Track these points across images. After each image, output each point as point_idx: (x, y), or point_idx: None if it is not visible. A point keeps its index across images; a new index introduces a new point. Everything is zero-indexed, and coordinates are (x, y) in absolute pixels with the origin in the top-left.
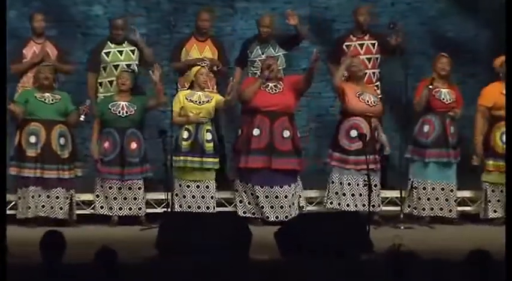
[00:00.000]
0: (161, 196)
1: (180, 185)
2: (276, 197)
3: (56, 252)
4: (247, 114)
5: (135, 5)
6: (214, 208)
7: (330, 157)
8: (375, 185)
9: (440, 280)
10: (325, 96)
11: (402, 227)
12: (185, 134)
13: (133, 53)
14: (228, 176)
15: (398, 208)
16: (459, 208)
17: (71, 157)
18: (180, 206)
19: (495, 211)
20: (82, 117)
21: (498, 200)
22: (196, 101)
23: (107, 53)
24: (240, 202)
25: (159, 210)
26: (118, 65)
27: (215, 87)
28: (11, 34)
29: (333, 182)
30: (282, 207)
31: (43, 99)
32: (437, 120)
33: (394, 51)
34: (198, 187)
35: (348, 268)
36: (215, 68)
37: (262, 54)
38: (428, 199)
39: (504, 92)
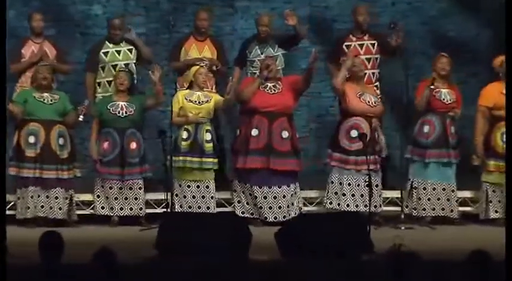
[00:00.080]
0: (161, 196)
1: (180, 186)
2: (275, 197)
3: (55, 252)
4: (246, 114)
5: (135, 4)
6: (214, 208)
7: (329, 157)
8: (376, 186)
9: (440, 280)
10: (325, 96)
11: (403, 228)
12: (184, 134)
13: (131, 53)
14: (227, 177)
15: (398, 208)
16: (461, 208)
17: (70, 157)
18: (181, 206)
19: (496, 212)
20: (81, 118)
21: (499, 201)
22: (195, 101)
23: (105, 53)
24: (239, 202)
25: (158, 210)
26: (116, 65)
27: (214, 87)
28: (11, 34)
29: (332, 182)
30: (280, 207)
31: (42, 100)
32: (437, 121)
33: (394, 52)
34: (198, 187)
35: (349, 268)
36: (214, 68)
37: (261, 54)
38: (429, 199)
39: (504, 92)
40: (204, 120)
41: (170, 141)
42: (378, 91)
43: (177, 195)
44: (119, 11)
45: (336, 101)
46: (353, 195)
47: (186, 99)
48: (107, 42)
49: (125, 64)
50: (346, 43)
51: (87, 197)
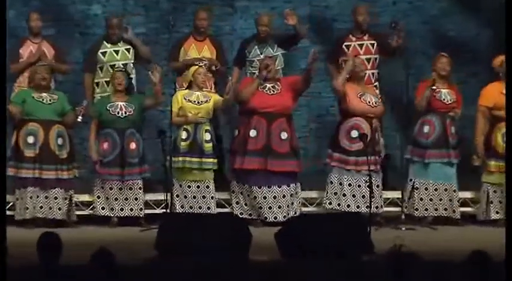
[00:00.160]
0: (160, 196)
1: (181, 186)
2: (274, 197)
3: (53, 253)
4: (245, 115)
5: (134, 4)
6: (215, 208)
7: (329, 158)
8: (377, 186)
9: None
10: (325, 96)
11: (403, 228)
12: (184, 135)
13: (129, 52)
14: (227, 177)
15: (399, 209)
16: (461, 209)
17: (69, 157)
18: (182, 206)
19: (497, 212)
20: (79, 119)
21: (500, 201)
22: (194, 101)
23: (103, 53)
24: (237, 203)
25: (158, 211)
26: (114, 65)
27: (213, 87)
28: (10, 34)
29: (331, 183)
30: (280, 207)
31: (41, 100)
32: (437, 121)
33: (394, 53)
34: (198, 187)
35: (349, 269)
36: (213, 68)
37: (261, 54)
38: (431, 200)
39: (504, 91)
40: (203, 120)
41: (170, 141)
42: (377, 91)
43: (177, 195)
44: (118, 10)
45: (336, 101)
46: (354, 195)
47: (185, 99)
48: (104, 42)
49: (123, 64)
50: (345, 43)
51: (86, 197)
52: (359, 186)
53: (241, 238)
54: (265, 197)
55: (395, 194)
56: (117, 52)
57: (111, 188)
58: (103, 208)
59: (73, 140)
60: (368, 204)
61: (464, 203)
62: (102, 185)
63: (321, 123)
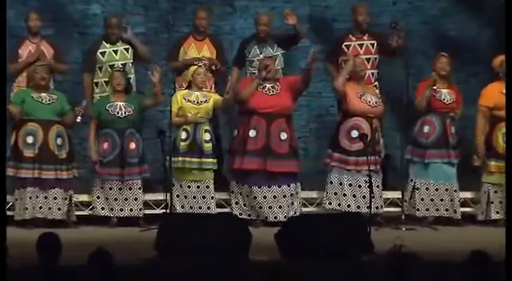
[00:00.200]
0: (160, 197)
1: (181, 186)
2: (274, 197)
3: (53, 254)
4: (244, 115)
5: (133, 3)
6: (215, 209)
7: (329, 158)
8: (377, 186)
9: None
10: (325, 96)
11: (403, 229)
12: (183, 135)
13: (128, 52)
14: (226, 177)
15: (399, 209)
16: (461, 209)
17: (68, 157)
18: (182, 206)
19: (497, 212)
20: (79, 119)
21: (500, 202)
22: (194, 101)
23: (102, 53)
24: (236, 203)
25: (158, 211)
26: (113, 65)
27: (213, 86)
28: (9, 33)
29: (331, 183)
30: (280, 207)
31: (40, 100)
32: (437, 121)
33: (394, 53)
34: (198, 187)
35: (349, 269)
36: (213, 68)
37: (260, 53)
38: (432, 200)
39: (504, 91)
40: (203, 120)
41: (169, 141)
42: (377, 91)
43: (178, 196)
44: (118, 10)
45: (336, 101)
46: (354, 196)
47: (185, 99)
48: (103, 42)
49: (122, 64)
50: (345, 43)
51: (85, 197)
52: (359, 186)
53: (241, 238)
54: (265, 197)
55: (396, 195)
56: (116, 52)
57: (110, 188)
58: (103, 208)
59: (72, 140)
60: (368, 204)
61: (464, 203)
62: (101, 185)
63: (321, 123)
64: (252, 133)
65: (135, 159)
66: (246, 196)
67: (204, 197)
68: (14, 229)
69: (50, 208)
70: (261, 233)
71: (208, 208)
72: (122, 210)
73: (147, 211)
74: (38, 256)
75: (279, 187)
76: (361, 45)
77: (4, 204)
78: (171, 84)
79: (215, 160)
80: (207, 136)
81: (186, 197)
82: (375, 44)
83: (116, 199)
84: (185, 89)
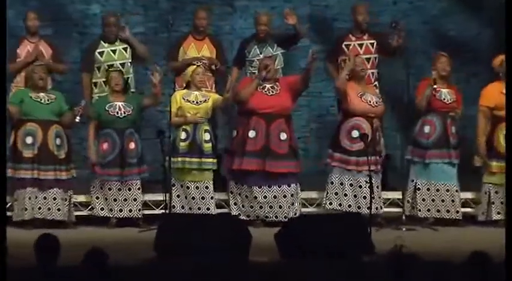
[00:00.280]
0: (159, 197)
1: (181, 186)
2: (275, 197)
3: (51, 255)
4: (243, 115)
5: (133, 3)
6: (214, 209)
7: (330, 158)
8: (377, 187)
9: None
10: (325, 96)
11: (404, 229)
12: (183, 135)
13: (126, 52)
14: (226, 177)
15: (400, 210)
16: (462, 210)
17: (67, 157)
18: (182, 207)
19: (498, 213)
20: (77, 119)
21: (501, 202)
22: (193, 101)
23: (101, 53)
24: (235, 204)
25: (157, 211)
26: (112, 65)
27: (214, 86)
28: (9, 33)
29: (332, 183)
30: (281, 207)
31: (39, 100)
32: (438, 121)
33: (394, 52)
34: (197, 187)
35: (349, 269)
36: (213, 67)
37: (260, 53)
38: (433, 200)
39: (504, 91)
40: (202, 120)
41: (169, 141)
42: (377, 91)
43: (178, 196)
44: (118, 10)
45: (336, 101)
46: (355, 196)
47: (184, 99)
48: (102, 41)
49: (120, 63)
50: (345, 43)
51: (84, 198)
52: (360, 186)
53: (241, 239)
54: (265, 197)
55: (396, 195)
56: (114, 52)
57: (109, 189)
58: (102, 209)
59: (71, 140)
60: (368, 205)
61: (465, 203)
62: (100, 185)
63: (322, 123)
64: (251, 134)
65: (135, 159)
66: (246, 196)
67: (203, 198)
68: (13, 230)
69: (49, 209)
70: (261, 233)
71: (208, 209)
72: (121, 210)
73: (147, 212)
74: (36, 257)
75: (279, 187)
76: (361, 45)
77: (4, 204)
78: (171, 84)
79: (215, 160)
80: (207, 136)
81: (186, 197)
82: (375, 44)
83: (115, 200)
84: (184, 89)
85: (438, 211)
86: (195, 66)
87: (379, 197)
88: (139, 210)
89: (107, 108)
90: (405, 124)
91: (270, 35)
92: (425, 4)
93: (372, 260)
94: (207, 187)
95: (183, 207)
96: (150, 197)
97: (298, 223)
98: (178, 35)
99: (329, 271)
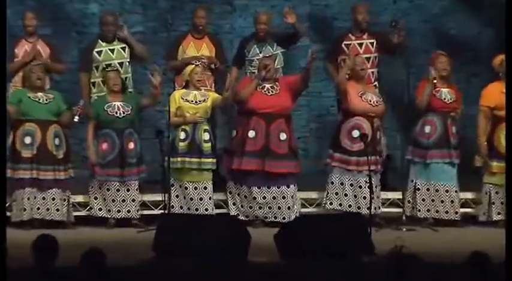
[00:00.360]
0: (158, 197)
1: (180, 187)
2: (274, 198)
3: (50, 255)
4: (243, 115)
5: (132, 2)
6: (213, 210)
7: (330, 158)
8: (375, 187)
9: None
10: (325, 96)
11: (404, 229)
12: (182, 135)
13: (124, 51)
14: (225, 177)
15: (400, 210)
16: (462, 210)
17: (65, 157)
18: (181, 207)
19: (499, 213)
20: (76, 118)
21: (502, 202)
22: (192, 101)
23: (99, 52)
24: (234, 204)
25: (156, 212)
26: (110, 64)
27: (213, 85)
28: (8, 33)
29: (332, 183)
30: (279, 208)
31: (37, 99)
32: (438, 121)
33: (395, 50)
34: (195, 188)
35: (349, 270)
36: (213, 66)
37: (260, 53)
38: (433, 201)
39: (504, 91)
40: (202, 120)
41: (167, 141)
42: (377, 90)
43: (177, 196)
44: (116, 9)
45: (336, 101)
46: (355, 196)
47: (183, 99)
48: (100, 41)
49: (119, 63)
50: (345, 42)
51: (82, 198)
52: (360, 187)
53: (240, 239)
54: (264, 197)
55: (396, 195)
56: (112, 51)
57: (108, 189)
58: (100, 209)
59: (69, 139)
60: (368, 206)
61: (465, 204)
62: (99, 186)
63: (321, 123)
64: (251, 134)
65: (134, 159)
66: (245, 196)
67: (201, 199)
68: (12, 230)
69: (48, 209)
70: (260, 234)
71: (206, 209)
72: (119, 211)
73: (146, 212)
74: (34, 258)
75: (278, 188)
76: (360, 44)
77: (4, 205)
78: (170, 84)
79: (214, 160)
80: (206, 136)
81: (184, 198)
82: (375, 43)
83: (113, 200)
84: (182, 88)
85: (437, 211)
86: (193, 66)
87: (377, 197)
88: (137, 211)
89: (105, 109)
90: (405, 124)
91: (270, 34)
92: (425, 3)
93: (371, 261)
94: (205, 188)
95: (181, 207)
96: (149, 197)
97: (297, 223)
98: (178, 34)
99: (329, 271)
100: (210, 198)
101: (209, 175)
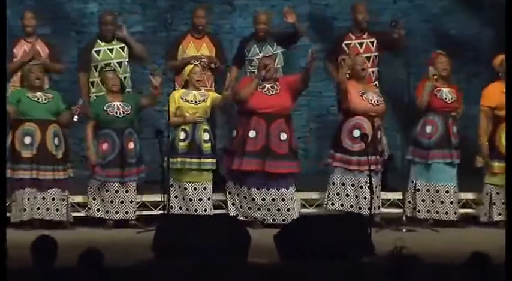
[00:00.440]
0: (157, 198)
1: (179, 187)
2: (273, 199)
3: (48, 256)
4: (243, 115)
5: (131, 2)
6: (211, 210)
7: (331, 158)
8: (375, 187)
9: None
10: (325, 95)
11: (404, 230)
12: (182, 135)
13: (123, 51)
14: (225, 177)
15: (400, 210)
16: (463, 210)
17: (64, 157)
18: (180, 208)
19: (500, 214)
20: (75, 118)
21: (503, 203)
22: (191, 101)
23: (97, 52)
24: (233, 204)
25: (155, 212)
26: (109, 64)
27: (213, 85)
28: (7, 33)
29: (333, 183)
30: (279, 210)
31: (36, 99)
32: (440, 121)
33: (395, 47)
34: (195, 189)
35: (349, 271)
36: (213, 66)
37: (260, 52)
38: (433, 201)
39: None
40: (202, 120)
41: (167, 141)
42: (378, 90)
43: (176, 197)
44: (115, 8)
45: (336, 101)
46: (356, 196)
47: (182, 99)
48: (98, 40)
49: (117, 62)
50: (345, 42)
51: (81, 198)
52: (361, 187)
53: (240, 240)
54: (264, 199)
55: (396, 196)
56: (111, 50)
57: (107, 190)
58: (98, 210)
59: (68, 139)
60: (368, 206)
61: (466, 204)
62: (98, 186)
63: (322, 123)
64: (251, 134)
65: (134, 159)
66: (244, 197)
67: (200, 199)
68: (11, 231)
69: (48, 209)
70: (260, 235)
71: (205, 210)
72: (117, 212)
73: (145, 212)
74: (33, 259)
75: (278, 190)
76: (360, 44)
77: (4, 205)
78: (170, 83)
79: (214, 160)
80: (206, 136)
81: (183, 198)
82: (375, 42)
83: (111, 201)
84: (182, 88)
85: (437, 212)
86: (192, 66)
87: (377, 197)
88: (134, 212)
89: (105, 109)
90: (406, 124)
91: (270, 33)
92: (425, 3)
93: (372, 261)
94: (205, 188)
95: (181, 208)
96: (148, 198)
97: (297, 224)
98: (177, 34)
99: (329, 272)
100: (209, 198)
101: (209, 175)
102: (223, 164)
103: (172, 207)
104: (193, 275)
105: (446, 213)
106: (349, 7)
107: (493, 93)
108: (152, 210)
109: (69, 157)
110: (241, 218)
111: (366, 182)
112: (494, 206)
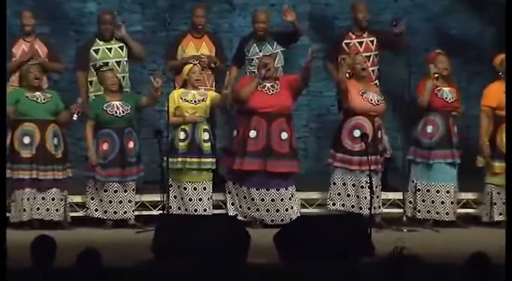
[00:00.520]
0: (157, 198)
1: (178, 187)
2: (272, 200)
3: (48, 256)
4: (244, 115)
5: (130, 1)
6: (211, 210)
7: (332, 158)
8: (376, 187)
9: None
10: (325, 95)
11: (405, 230)
12: (182, 135)
13: (122, 50)
14: (224, 177)
15: (401, 210)
16: (463, 210)
17: (63, 157)
18: (179, 208)
19: (500, 214)
20: (75, 117)
21: (504, 203)
22: (191, 101)
23: (96, 51)
24: (232, 204)
25: (155, 212)
26: (107, 63)
27: (214, 84)
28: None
29: (334, 183)
30: (278, 210)
31: (35, 99)
32: (441, 120)
33: (396, 46)
34: (195, 189)
35: (349, 271)
36: (213, 65)
37: (260, 52)
38: (433, 202)
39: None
40: (201, 119)
41: (166, 141)
42: (378, 89)
43: (175, 197)
44: (115, 8)
45: (336, 101)
46: (358, 196)
47: (182, 98)
48: (97, 39)
49: (116, 62)
50: (345, 41)
51: (80, 198)
52: (362, 187)
53: (240, 240)
54: (263, 200)
55: (397, 196)
56: (110, 50)
57: (105, 191)
58: (96, 210)
59: (66, 138)
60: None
61: (466, 204)
62: (96, 187)
63: (322, 123)
64: (252, 134)
65: (134, 158)
66: (244, 197)
67: (200, 199)
68: (11, 231)
69: (47, 209)
70: (259, 235)
71: (205, 210)
72: (115, 213)
73: (144, 212)
74: (32, 259)
75: (277, 191)
76: (360, 43)
77: (4, 205)
78: (170, 83)
79: (214, 160)
80: (206, 136)
81: (182, 199)
82: (375, 41)
83: (110, 202)
84: (181, 88)
85: (437, 213)
86: (191, 65)
87: (377, 197)
88: (133, 212)
89: (104, 108)
90: (406, 124)
91: (269, 33)
92: (426, 2)
93: (372, 262)
94: (205, 188)
95: (179, 208)
96: (147, 198)
97: (297, 224)
98: (177, 33)
99: (329, 272)
100: (208, 199)
101: (209, 175)
102: (223, 164)
103: (171, 207)
104: (192, 276)
105: (447, 213)
106: (349, 6)
107: (494, 93)
108: (151, 210)
109: (68, 157)
110: (240, 218)
111: (367, 182)
112: (495, 206)
